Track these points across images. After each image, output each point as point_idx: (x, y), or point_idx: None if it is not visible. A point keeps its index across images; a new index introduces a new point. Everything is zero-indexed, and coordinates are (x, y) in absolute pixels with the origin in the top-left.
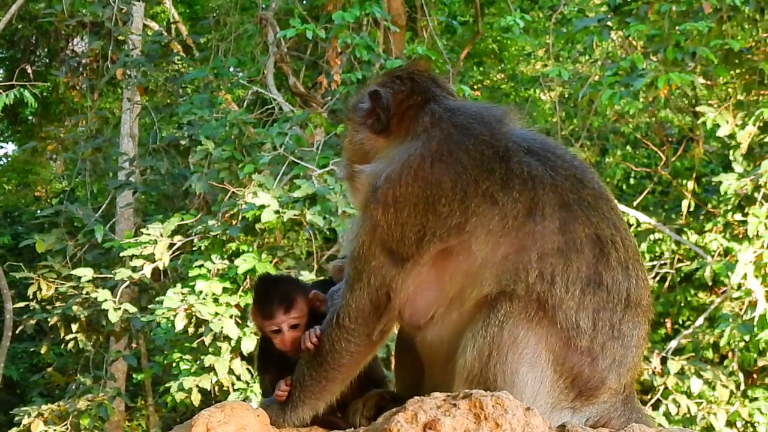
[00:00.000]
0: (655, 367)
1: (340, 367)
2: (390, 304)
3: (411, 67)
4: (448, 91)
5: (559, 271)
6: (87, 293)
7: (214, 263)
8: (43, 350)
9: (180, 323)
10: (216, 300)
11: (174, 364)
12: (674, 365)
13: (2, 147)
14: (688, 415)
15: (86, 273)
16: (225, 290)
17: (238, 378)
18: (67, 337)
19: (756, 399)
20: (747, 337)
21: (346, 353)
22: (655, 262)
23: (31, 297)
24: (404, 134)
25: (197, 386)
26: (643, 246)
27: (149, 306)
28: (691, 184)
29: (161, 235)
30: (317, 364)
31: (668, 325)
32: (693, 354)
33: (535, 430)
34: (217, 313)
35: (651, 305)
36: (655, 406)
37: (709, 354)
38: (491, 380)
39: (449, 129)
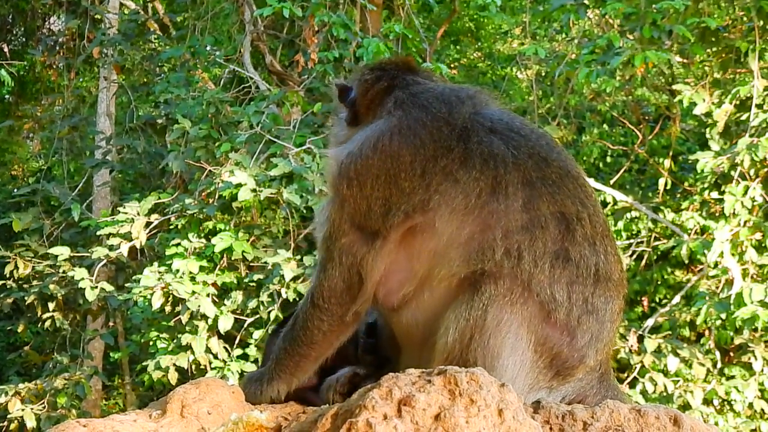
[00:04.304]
0: (632, 346)
1: (313, 344)
2: (363, 285)
3: (388, 59)
4: (424, 76)
5: (525, 247)
6: (64, 272)
7: (191, 242)
8: (19, 329)
9: (157, 302)
10: (193, 279)
11: (151, 343)
12: (651, 343)
13: None
14: (664, 393)
15: (63, 252)
16: (202, 269)
17: (215, 356)
18: (44, 316)
19: (732, 377)
20: (723, 316)
21: (319, 332)
22: (631, 241)
23: (7, 276)
24: (370, 120)
25: (174, 365)
26: (620, 224)
27: (126, 285)
28: (667, 163)
29: (138, 214)
30: (292, 339)
31: (645, 303)
32: (670, 332)
33: (509, 406)
34: (194, 292)
35: (624, 280)
36: (632, 385)
37: (686, 332)
38: (471, 362)
39: (410, 109)
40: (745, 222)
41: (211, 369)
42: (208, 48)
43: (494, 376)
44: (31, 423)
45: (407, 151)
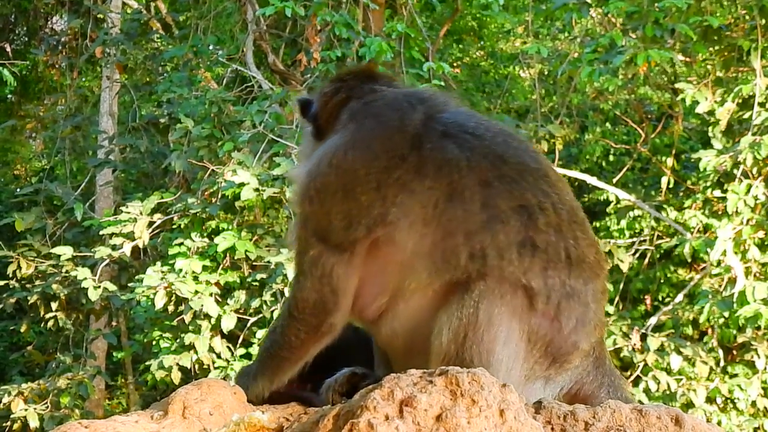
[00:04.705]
0: (635, 344)
1: (291, 349)
2: (335, 296)
3: (348, 68)
4: (384, 82)
5: (487, 244)
6: (67, 272)
7: (193, 241)
8: (22, 329)
9: (160, 301)
10: (196, 278)
11: (154, 343)
12: (654, 342)
13: None
14: (668, 392)
15: (66, 251)
16: (205, 268)
17: (219, 356)
18: (47, 316)
19: (735, 375)
20: (726, 314)
21: (297, 339)
22: (634, 239)
23: (10, 276)
24: (331, 134)
25: (177, 364)
26: (623, 223)
27: (129, 284)
28: (670, 161)
29: (141, 213)
30: (273, 342)
31: (648, 301)
32: (673, 330)
33: (511, 407)
34: (197, 291)
35: (601, 261)
36: (635, 383)
37: (689, 330)
38: (467, 360)
39: (362, 120)
40: (748, 220)
41: (215, 368)
42: (210, 47)
43: (491, 370)
44: (34, 423)
45: (361, 165)
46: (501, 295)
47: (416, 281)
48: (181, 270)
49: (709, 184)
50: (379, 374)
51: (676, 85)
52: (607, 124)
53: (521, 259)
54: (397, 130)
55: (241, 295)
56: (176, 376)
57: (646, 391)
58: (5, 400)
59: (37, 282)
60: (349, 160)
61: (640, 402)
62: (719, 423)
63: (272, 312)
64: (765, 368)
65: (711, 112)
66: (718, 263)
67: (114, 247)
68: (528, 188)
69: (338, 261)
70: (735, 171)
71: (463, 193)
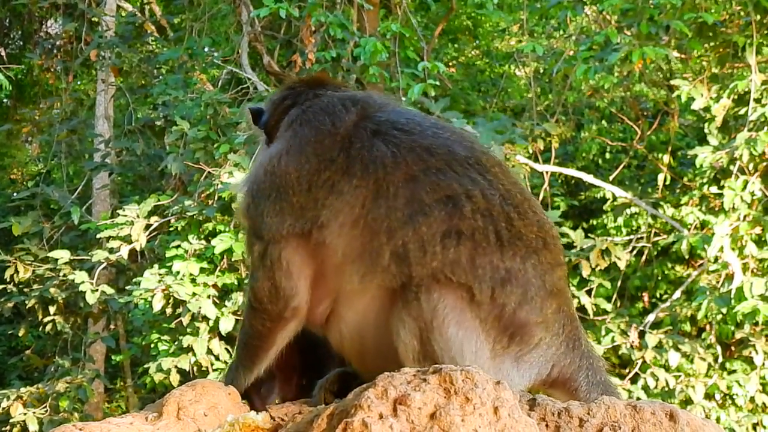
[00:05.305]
0: (633, 341)
1: (261, 338)
2: (290, 282)
3: (300, 78)
4: (332, 88)
5: (410, 240)
6: (64, 275)
7: (191, 243)
8: (21, 333)
9: (158, 304)
10: (193, 280)
11: (152, 345)
12: (652, 339)
13: None
14: (666, 389)
15: (63, 255)
16: (202, 270)
17: (217, 358)
18: (45, 320)
19: (734, 371)
20: (724, 310)
21: (263, 328)
22: (631, 237)
23: (8, 280)
24: (274, 142)
25: (176, 367)
26: (620, 220)
27: (127, 287)
28: (666, 158)
29: (138, 216)
30: (245, 334)
31: (646, 299)
32: (671, 327)
33: (505, 404)
34: (194, 294)
35: (546, 237)
36: (634, 380)
37: (687, 327)
38: (437, 354)
39: (297, 127)
40: (745, 216)
41: (213, 371)
42: (205, 49)
43: (461, 358)
44: (33, 427)
45: (293, 169)
46: (437, 290)
47: (350, 285)
48: (178, 272)
49: (705, 180)
50: None
51: (672, 82)
52: (603, 122)
53: (445, 250)
54: (328, 133)
55: (238, 297)
56: (175, 379)
57: (645, 388)
58: (4, 404)
59: (35, 286)
60: (282, 165)
61: (639, 398)
62: (718, 419)
63: None
64: (763, 364)
65: (707, 109)
66: (716, 259)
67: (111, 251)
68: (455, 178)
69: (284, 248)
70: (731, 167)
71: (389, 190)
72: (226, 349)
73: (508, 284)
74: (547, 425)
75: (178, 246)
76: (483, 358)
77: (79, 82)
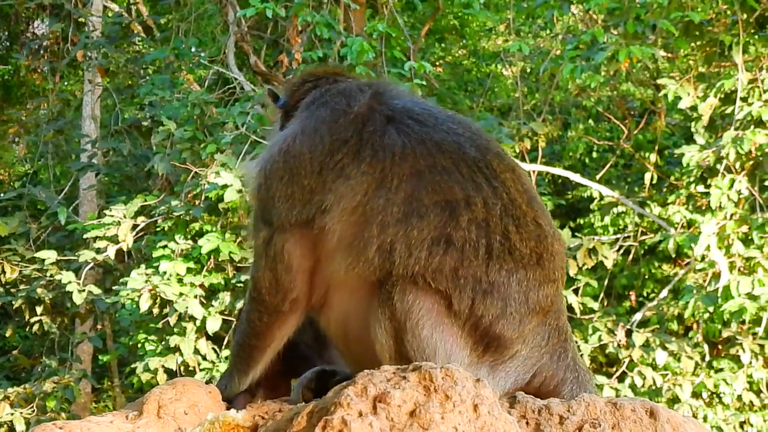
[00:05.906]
0: (620, 340)
1: (258, 335)
2: (291, 276)
3: (324, 68)
4: (352, 78)
5: (398, 239)
6: (51, 275)
7: (177, 243)
8: (7, 333)
9: (145, 304)
10: (180, 280)
11: (139, 345)
12: (639, 338)
13: None
14: (653, 387)
15: (50, 255)
16: (189, 270)
17: (204, 358)
18: (32, 320)
19: (721, 370)
20: (711, 309)
21: (260, 322)
22: (618, 236)
23: None
24: (289, 123)
25: (163, 367)
26: (607, 219)
27: (114, 287)
28: (653, 157)
29: (124, 217)
30: (241, 332)
31: (632, 297)
32: (658, 326)
33: (485, 402)
34: (181, 294)
35: (543, 251)
36: (621, 379)
37: (674, 326)
38: (412, 354)
39: (314, 108)
40: (732, 215)
41: (200, 370)
42: (192, 50)
43: (433, 357)
44: (20, 427)
45: (307, 149)
46: (414, 292)
47: (338, 272)
48: (165, 272)
49: (692, 179)
50: (345, 370)
51: (659, 81)
52: (590, 121)
53: (431, 257)
54: (342, 113)
55: (225, 297)
56: (162, 379)
57: (632, 386)
58: None
59: (22, 286)
60: (296, 145)
61: (625, 397)
62: (705, 418)
63: None
64: (750, 363)
65: (693, 108)
66: (702, 258)
67: (98, 251)
68: (459, 181)
69: (288, 239)
70: (718, 166)
71: (392, 182)
72: (213, 348)
73: (489, 297)
74: (527, 423)
75: (165, 246)
76: (458, 363)
77: (65, 83)
